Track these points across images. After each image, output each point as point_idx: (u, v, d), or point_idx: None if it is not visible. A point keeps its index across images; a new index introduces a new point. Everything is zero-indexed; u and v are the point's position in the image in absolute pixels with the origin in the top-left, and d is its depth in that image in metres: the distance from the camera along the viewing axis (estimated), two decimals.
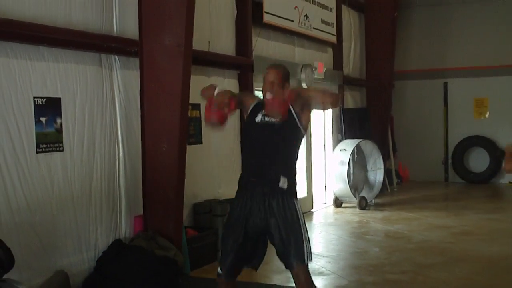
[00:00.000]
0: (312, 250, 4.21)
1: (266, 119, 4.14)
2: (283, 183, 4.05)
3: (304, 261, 4.03)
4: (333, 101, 4.17)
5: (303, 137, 4.28)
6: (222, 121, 4.12)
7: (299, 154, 4.31)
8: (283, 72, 4.25)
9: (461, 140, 15.00)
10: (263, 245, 4.28)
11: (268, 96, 4.14)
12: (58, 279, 5.57)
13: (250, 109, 4.30)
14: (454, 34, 15.05)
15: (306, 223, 4.20)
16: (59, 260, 5.89)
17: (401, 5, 14.51)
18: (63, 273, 5.70)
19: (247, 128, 4.32)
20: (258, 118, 4.18)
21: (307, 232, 4.13)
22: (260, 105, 4.26)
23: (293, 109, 4.13)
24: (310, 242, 4.13)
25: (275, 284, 6.52)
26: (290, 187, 4.11)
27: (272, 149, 4.11)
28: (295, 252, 4.02)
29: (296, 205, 4.12)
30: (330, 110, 12.40)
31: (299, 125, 4.16)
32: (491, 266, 7.33)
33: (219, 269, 4.28)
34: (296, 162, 4.28)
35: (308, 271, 4.15)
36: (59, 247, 5.93)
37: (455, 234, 9.09)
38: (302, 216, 4.14)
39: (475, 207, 11.64)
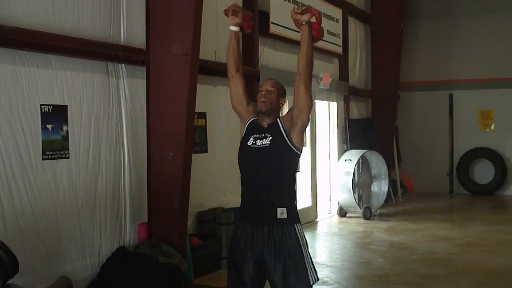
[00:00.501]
0: (316, 265, 4.11)
1: (258, 143, 4.00)
2: (281, 214, 3.95)
3: (310, 282, 3.97)
4: (309, 43, 4.07)
5: (298, 158, 4.11)
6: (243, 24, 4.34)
7: (296, 175, 4.17)
8: (280, 86, 4.16)
9: (466, 152, 14.99)
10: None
11: (264, 122, 4.05)
12: (62, 285, 5.59)
13: (246, 126, 4.15)
14: (460, 46, 15.06)
15: (308, 245, 4.07)
16: (63, 266, 5.90)
17: (407, 16, 14.54)
18: (66, 279, 5.72)
19: (241, 151, 4.13)
20: (250, 142, 4.04)
21: (309, 253, 4.03)
22: (254, 124, 4.12)
23: (284, 128, 4.01)
24: (313, 262, 4.05)
25: None
26: (289, 214, 3.97)
27: (266, 178, 3.96)
28: (300, 277, 3.93)
29: (297, 230, 3.98)
30: (336, 120, 12.42)
31: (292, 146, 4.00)
32: (496, 278, 7.31)
33: None
34: (293, 185, 4.15)
35: None
36: (63, 253, 5.94)
37: (460, 246, 9.07)
38: (303, 239, 4.01)
39: (480, 218, 11.62)
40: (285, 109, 9.32)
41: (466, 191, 15.01)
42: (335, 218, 11.67)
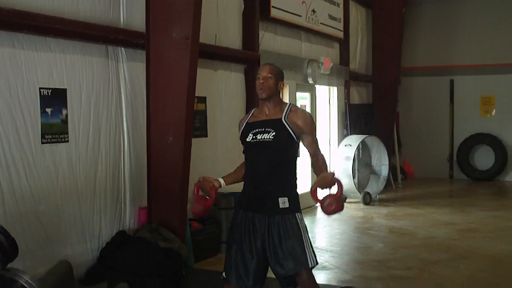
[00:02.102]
0: (316, 250, 4.12)
1: (259, 136, 4.02)
2: (283, 203, 3.98)
3: (308, 265, 3.98)
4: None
5: (299, 144, 4.15)
6: (206, 209, 4.28)
7: (297, 162, 4.18)
8: (278, 70, 4.13)
9: (466, 138, 14.98)
10: (263, 271, 4.13)
11: (265, 107, 4.09)
12: (62, 269, 5.58)
13: (241, 129, 4.18)
14: (462, 31, 15.00)
15: (307, 230, 4.08)
16: (63, 250, 5.90)
17: (409, 1, 14.45)
18: (66, 263, 5.71)
19: (244, 148, 4.16)
20: (249, 138, 4.06)
21: (309, 238, 4.04)
22: (250, 124, 4.12)
23: (288, 124, 4.02)
24: (313, 246, 4.05)
25: None
26: (291, 204, 4.01)
27: (268, 169, 3.99)
28: (299, 261, 3.94)
29: (297, 218, 4.01)
30: (336, 105, 12.39)
31: (294, 137, 4.03)
32: (496, 263, 7.31)
33: (224, 274, 4.17)
34: (295, 174, 4.15)
35: (313, 275, 4.09)
36: (63, 237, 5.94)
37: (461, 231, 9.06)
38: (303, 224, 4.03)
39: (480, 204, 11.62)
40: (286, 93, 9.33)
41: (467, 177, 15.01)
42: None
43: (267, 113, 4.11)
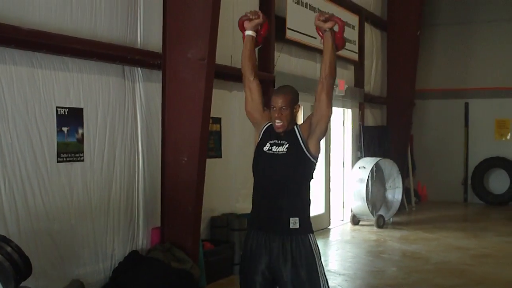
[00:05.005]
0: (328, 274, 4.05)
1: (274, 149, 3.94)
2: (294, 223, 3.88)
3: None
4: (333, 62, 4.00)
5: (314, 166, 4.02)
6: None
7: (311, 184, 4.10)
8: (291, 96, 3.98)
9: (481, 161, 14.88)
10: None
11: (278, 123, 3.94)
12: None
13: (261, 132, 4.08)
14: (477, 54, 14.97)
15: (321, 255, 4.00)
16: (75, 269, 5.90)
17: (424, 23, 14.47)
18: (79, 283, 5.71)
19: (256, 157, 4.05)
20: (266, 148, 3.97)
21: (322, 264, 3.98)
22: (271, 129, 4.03)
23: (301, 136, 3.94)
24: (325, 273, 4.00)
25: None
26: (302, 224, 3.91)
27: (281, 187, 3.89)
28: None
29: (311, 241, 3.93)
30: (350, 127, 12.37)
31: (308, 155, 3.93)
32: None
33: None
34: (308, 194, 4.05)
35: None
36: (76, 256, 5.95)
37: (475, 256, 8.97)
38: (317, 249, 3.95)
39: (494, 229, 11.50)
40: (300, 114, 9.32)
41: (481, 200, 14.88)
42: (348, 225, 11.61)
43: (282, 134, 4.00)
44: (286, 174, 3.91)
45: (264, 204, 3.98)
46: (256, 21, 4.21)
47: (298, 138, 3.95)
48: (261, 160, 4.01)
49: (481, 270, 8.12)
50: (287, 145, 3.93)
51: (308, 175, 4.04)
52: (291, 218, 3.89)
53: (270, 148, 3.97)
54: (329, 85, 3.99)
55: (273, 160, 3.94)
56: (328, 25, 3.97)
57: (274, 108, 3.94)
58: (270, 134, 4.04)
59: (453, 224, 12.04)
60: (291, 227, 3.88)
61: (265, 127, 4.09)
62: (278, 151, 3.94)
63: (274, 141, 3.99)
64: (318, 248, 3.98)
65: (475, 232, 11.16)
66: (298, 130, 3.98)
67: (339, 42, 4.06)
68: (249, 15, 4.22)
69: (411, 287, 7.25)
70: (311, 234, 3.95)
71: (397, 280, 7.56)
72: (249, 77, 4.26)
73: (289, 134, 3.97)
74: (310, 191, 4.06)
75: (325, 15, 4.01)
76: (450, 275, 7.85)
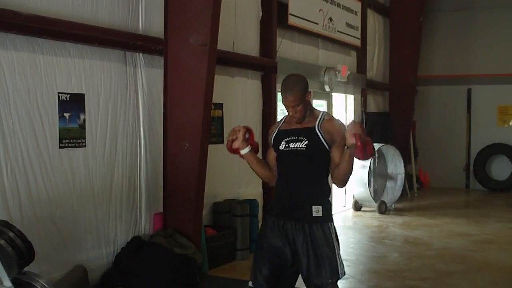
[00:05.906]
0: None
1: (291, 145, 4.00)
2: (316, 212, 3.96)
3: (339, 276, 3.96)
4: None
5: (329, 152, 4.05)
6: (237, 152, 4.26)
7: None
8: (300, 92, 3.97)
9: (483, 147, 14.86)
10: (293, 281, 4.14)
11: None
12: (77, 274, 5.60)
13: (272, 139, 4.15)
14: (480, 40, 14.91)
15: (339, 241, 4.07)
16: (78, 255, 5.92)
17: (427, 9, 14.39)
18: (82, 268, 5.74)
19: (277, 155, 4.14)
20: (282, 146, 4.04)
21: (339, 250, 4.02)
22: (282, 132, 4.11)
23: (322, 136, 3.96)
24: (342, 257, 4.04)
25: None
26: (324, 213, 3.98)
27: (301, 177, 3.98)
28: (332, 271, 3.92)
29: (331, 228, 3.99)
30: (352, 113, 12.37)
31: (326, 145, 3.97)
32: None
33: (250, 283, 4.11)
34: (327, 182, 4.10)
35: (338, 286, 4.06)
36: (79, 242, 5.96)
37: (476, 242, 8.99)
38: (336, 234, 4.02)
39: (496, 215, 11.52)
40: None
41: (483, 187, 14.89)
42: (350, 211, 11.63)
43: (299, 128, 4.05)
44: (306, 168, 3.99)
45: (286, 194, 4.04)
46: (240, 136, 4.18)
47: (318, 137, 3.98)
48: (280, 156, 4.09)
49: (483, 256, 8.13)
50: (306, 141, 3.98)
51: (328, 165, 4.09)
52: (313, 207, 3.97)
53: (287, 145, 4.04)
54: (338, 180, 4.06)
55: (292, 154, 4.01)
56: (350, 141, 3.87)
57: (287, 107, 4.01)
58: (284, 133, 4.10)
59: (455, 210, 12.06)
60: (314, 215, 3.96)
61: (276, 131, 4.17)
62: (297, 147, 4.00)
63: (291, 137, 4.05)
64: (337, 233, 4.05)
65: (476, 218, 11.18)
66: (319, 131, 3.99)
67: (359, 154, 3.93)
68: (230, 138, 4.23)
69: (413, 272, 7.26)
70: (331, 223, 4.03)
71: (399, 266, 7.58)
72: (273, 168, 4.25)
73: (308, 133, 4.00)
74: (328, 179, 4.11)
75: (357, 134, 3.87)
76: (452, 261, 7.87)
